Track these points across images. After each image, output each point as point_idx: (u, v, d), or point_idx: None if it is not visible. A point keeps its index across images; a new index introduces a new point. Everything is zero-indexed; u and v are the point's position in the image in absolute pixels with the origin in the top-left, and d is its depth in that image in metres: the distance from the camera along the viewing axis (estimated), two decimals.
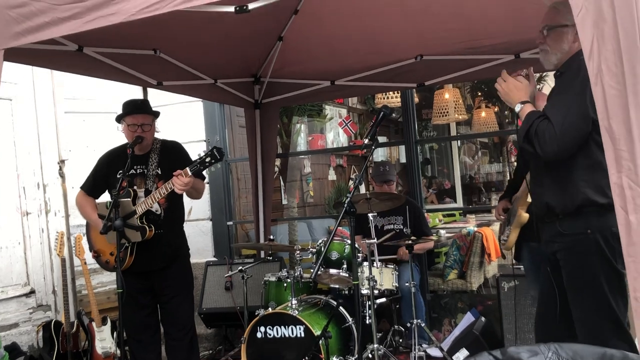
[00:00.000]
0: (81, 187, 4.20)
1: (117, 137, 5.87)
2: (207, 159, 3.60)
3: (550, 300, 2.98)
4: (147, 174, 4.00)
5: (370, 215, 4.29)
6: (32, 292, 5.47)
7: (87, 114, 6.00)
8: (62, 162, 5.72)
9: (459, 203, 11.45)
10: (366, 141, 3.25)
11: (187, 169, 3.63)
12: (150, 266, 3.98)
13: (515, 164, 4.65)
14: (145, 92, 6.29)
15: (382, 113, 3.25)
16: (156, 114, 4.11)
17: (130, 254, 3.92)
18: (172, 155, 4.10)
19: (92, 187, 4.16)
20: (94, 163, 4.25)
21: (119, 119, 4.08)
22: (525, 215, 3.70)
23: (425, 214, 5.57)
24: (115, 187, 3.75)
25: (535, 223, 3.49)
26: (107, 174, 4.05)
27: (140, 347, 4.12)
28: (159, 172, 4.01)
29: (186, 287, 4.20)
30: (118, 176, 3.89)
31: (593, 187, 2.68)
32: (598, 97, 1.95)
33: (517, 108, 2.81)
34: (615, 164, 1.93)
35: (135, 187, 3.95)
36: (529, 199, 3.70)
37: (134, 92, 6.19)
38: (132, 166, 3.96)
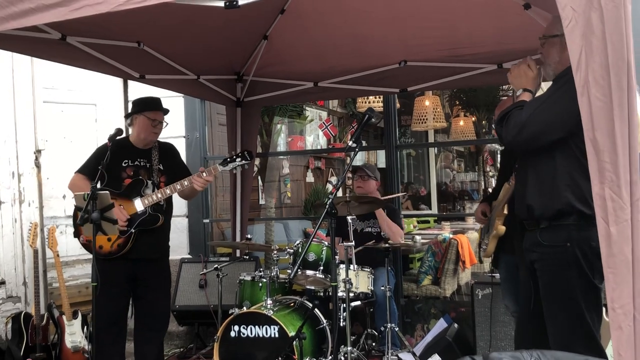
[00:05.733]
0: (78, 172, 4.13)
1: (95, 129, 5.83)
2: (238, 159, 3.93)
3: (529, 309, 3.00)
4: (151, 168, 4.12)
5: (349, 218, 4.30)
6: (2, 282, 5.37)
7: (65, 105, 5.91)
8: (38, 152, 5.62)
9: (434, 210, 11.49)
10: (350, 143, 3.24)
11: (218, 165, 4.01)
12: (146, 254, 4.03)
13: (490, 173, 4.71)
14: (125, 85, 6.23)
15: (367, 116, 3.24)
16: (166, 112, 4.27)
17: (132, 240, 3.96)
18: (170, 154, 4.31)
19: (92, 173, 4.02)
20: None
21: (137, 111, 4.12)
22: (502, 228, 3.73)
23: (402, 218, 5.52)
24: (115, 177, 3.95)
25: (512, 234, 3.51)
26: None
27: (107, 340, 4.02)
28: (161, 167, 4.16)
29: (167, 282, 4.32)
30: (124, 164, 4.05)
31: (575, 192, 2.68)
32: (584, 108, 1.97)
33: (518, 93, 2.92)
34: (598, 175, 1.95)
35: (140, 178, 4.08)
36: (506, 211, 3.74)
37: (114, 84, 6.13)
38: (137, 158, 4.12)
